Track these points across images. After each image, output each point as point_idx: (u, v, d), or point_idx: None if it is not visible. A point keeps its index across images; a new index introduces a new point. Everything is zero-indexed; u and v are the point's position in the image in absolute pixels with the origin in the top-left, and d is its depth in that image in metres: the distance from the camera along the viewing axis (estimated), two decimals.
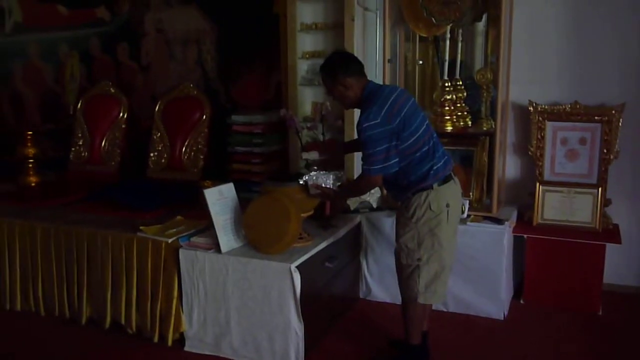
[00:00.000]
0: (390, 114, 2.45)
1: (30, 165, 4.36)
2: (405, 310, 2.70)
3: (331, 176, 2.82)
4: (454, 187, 2.63)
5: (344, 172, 2.99)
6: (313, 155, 3.02)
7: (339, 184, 2.85)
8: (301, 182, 2.81)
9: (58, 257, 3.38)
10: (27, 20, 5.15)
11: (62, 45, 4.99)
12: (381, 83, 3.44)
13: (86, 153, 4.55)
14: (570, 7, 3.49)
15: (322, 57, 3.75)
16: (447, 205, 2.54)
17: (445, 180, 2.58)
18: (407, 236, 2.58)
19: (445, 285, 2.66)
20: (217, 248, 2.89)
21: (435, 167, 2.53)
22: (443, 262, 2.59)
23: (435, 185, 2.54)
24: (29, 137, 4.35)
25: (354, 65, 2.62)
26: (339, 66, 2.60)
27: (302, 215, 2.91)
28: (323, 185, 2.80)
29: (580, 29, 3.49)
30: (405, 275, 2.62)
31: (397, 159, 2.48)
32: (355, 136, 3.61)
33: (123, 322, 3.19)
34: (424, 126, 2.55)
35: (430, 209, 2.52)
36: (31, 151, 4.34)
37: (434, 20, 3.50)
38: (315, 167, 2.86)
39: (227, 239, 2.90)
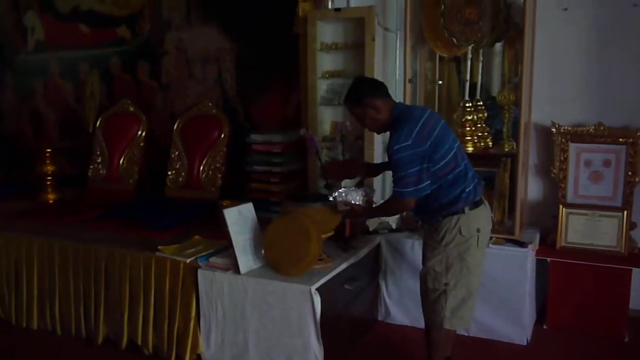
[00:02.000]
0: (422, 135, 2.40)
1: (49, 183, 4.42)
2: (429, 334, 2.64)
3: (360, 193, 2.79)
4: (484, 212, 2.58)
5: (373, 190, 2.94)
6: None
7: (366, 199, 2.81)
8: (330, 199, 2.78)
9: (76, 275, 3.36)
10: (49, 39, 5.20)
11: (83, 64, 5.03)
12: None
13: (104, 171, 4.57)
14: (592, 27, 3.45)
15: (342, 76, 3.76)
16: (478, 230, 2.50)
17: (477, 204, 2.53)
18: (435, 260, 2.54)
19: (472, 310, 2.60)
20: (236, 269, 2.86)
21: (467, 190, 2.49)
22: (471, 287, 2.54)
23: (466, 209, 2.49)
24: (47, 154, 4.41)
25: (380, 88, 2.60)
26: (366, 90, 2.57)
27: (322, 236, 2.88)
28: (352, 202, 2.76)
29: (603, 50, 3.45)
30: (432, 299, 2.57)
31: (429, 182, 2.43)
32: (375, 156, 3.63)
33: (140, 342, 3.16)
34: (455, 148, 2.51)
35: (461, 233, 2.47)
36: (50, 168, 4.40)
37: (455, 41, 3.49)
38: (343, 185, 2.83)
39: (246, 260, 2.87)
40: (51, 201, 4.38)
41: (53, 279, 3.44)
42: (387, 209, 2.75)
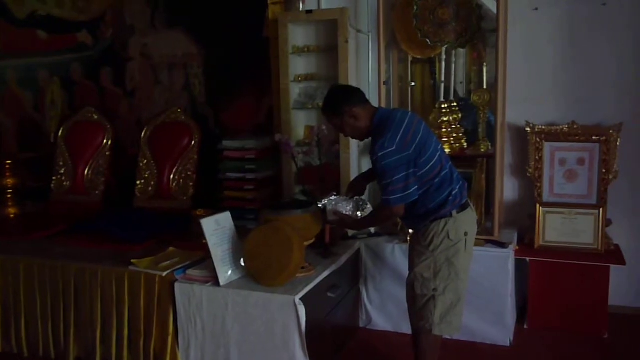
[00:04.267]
0: (406, 140, 2.36)
1: (9, 196, 4.22)
2: (417, 342, 2.59)
3: (352, 203, 2.72)
4: (471, 215, 2.55)
5: (366, 201, 2.86)
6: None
7: (358, 210, 2.74)
8: (320, 206, 2.70)
9: (42, 294, 3.19)
10: (4, 46, 4.96)
11: (42, 71, 4.81)
12: (377, 106, 3.39)
13: (68, 182, 4.37)
14: (565, 27, 3.48)
15: (315, 79, 3.70)
16: (465, 234, 2.46)
17: (463, 207, 2.50)
18: (423, 265, 2.48)
19: (460, 316, 2.56)
20: (215, 281, 2.76)
21: (453, 193, 2.45)
22: (459, 292, 2.50)
23: (454, 213, 2.45)
24: (7, 166, 4.22)
25: (357, 94, 2.55)
26: (342, 98, 2.52)
27: (304, 244, 2.80)
28: (343, 212, 2.69)
29: (576, 49, 3.48)
30: (419, 305, 2.52)
31: (416, 187, 2.39)
32: (351, 160, 3.58)
33: None
34: (439, 150, 2.47)
35: (449, 237, 2.43)
36: (10, 181, 4.22)
37: (428, 42, 3.46)
38: (335, 193, 2.74)
39: (225, 271, 2.77)
40: (12, 216, 4.18)
41: (18, 297, 3.25)
42: (376, 218, 2.67)
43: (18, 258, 3.26)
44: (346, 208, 2.70)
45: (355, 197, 2.77)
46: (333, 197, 2.72)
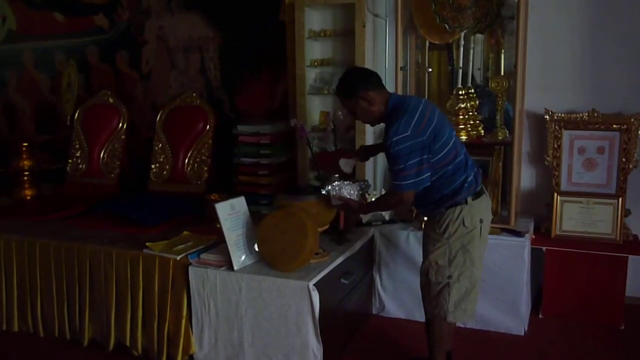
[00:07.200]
0: (420, 126, 2.32)
1: (26, 178, 4.25)
2: (431, 328, 2.58)
3: (356, 187, 2.68)
4: (486, 202, 2.52)
5: (369, 184, 2.82)
6: (348, 168, 2.82)
7: (362, 193, 2.71)
8: (323, 192, 2.68)
9: (58, 275, 3.22)
10: (21, 28, 4.97)
11: (59, 54, 4.82)
12: (393, 91, 3.35)
13: (84, 165, 4.39)
14: (585, 14, 3.40)
15: (332, 64, 3.67)
16: (481, 221, 2.44)
17: (478, 194, 2.47)
18: (438, 252, 2.46)
19: (474, 303, 2.54)
20: (229, 265, 2.76)
21: (469, 180, 2.42)
22: (473, 279, 2.48)
23: (469, 200, 2.42)
24: (24, 149, 4.26)
25: (373, 78, 2.50)
26: (358, 81, 2.47)
27: (318, 229, 2.78)
28: (347, 196, 2.66)
29: (596, 36, 3.40)
30: (434, 292, 2.50)
31: (429, 173, 2.36)
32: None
33: (128, 343, 3.04)
34: (454, 137, 2.44)
35: (464, 224, 2.41)
36: (27, 163, 4.25)
37: (447, 27, 3.41)
38: (338, 176, 2.72)
39: (239, 256, 2.77)
40: (29, 197, 4.21)
41: (34, 279, 3.29)
42: (384, 203, 2.65)
43: (34, 239, 3.29)
44: (350, 192, 2.67)
45: (359, 181, 2.73)
46: (336, 183, 2.68)
